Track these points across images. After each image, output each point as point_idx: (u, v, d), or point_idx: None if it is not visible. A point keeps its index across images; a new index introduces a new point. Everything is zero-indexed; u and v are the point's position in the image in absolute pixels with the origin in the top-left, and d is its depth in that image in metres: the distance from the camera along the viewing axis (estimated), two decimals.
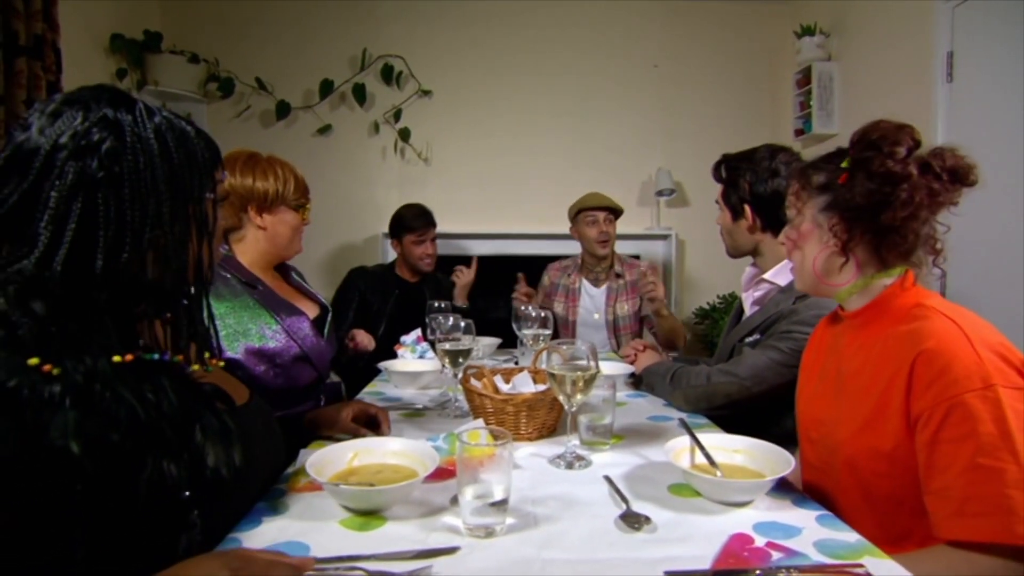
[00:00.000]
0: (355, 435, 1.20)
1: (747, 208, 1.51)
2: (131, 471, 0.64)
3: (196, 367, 0.79)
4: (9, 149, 0.68)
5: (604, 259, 2.70)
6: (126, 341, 0.70)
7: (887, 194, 0.92)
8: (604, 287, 2.70)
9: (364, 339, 1.97)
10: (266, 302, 1.46)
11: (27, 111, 0.73)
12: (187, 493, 0.67)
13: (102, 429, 0.62)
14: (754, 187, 1.49)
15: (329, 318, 1.65)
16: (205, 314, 0.82)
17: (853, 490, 0.98)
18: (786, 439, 1.10)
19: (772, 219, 1.49)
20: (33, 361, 0.60)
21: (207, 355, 0.80)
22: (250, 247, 1.52)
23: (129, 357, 0.68)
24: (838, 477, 1.00)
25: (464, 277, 2.73)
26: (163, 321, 0.78)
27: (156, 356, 0.71)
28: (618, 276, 2.69)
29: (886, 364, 0.92)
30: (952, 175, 0.92)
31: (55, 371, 0.61)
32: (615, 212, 2.67)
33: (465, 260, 2.81)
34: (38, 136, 0.68)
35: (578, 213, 2.68)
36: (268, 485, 0.97)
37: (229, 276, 1.45)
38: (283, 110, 3.39)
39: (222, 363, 0.82)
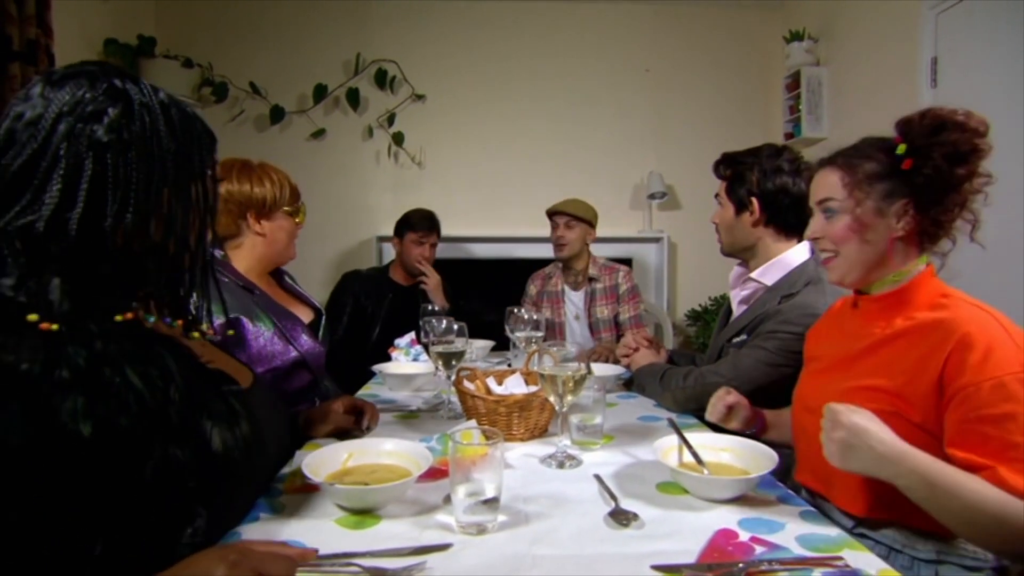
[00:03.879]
0: (348, 428, 1.23)
1: (754, 201, 1.51)
2: (139, 457, 0.65)
3: (196, 335, 0.82)
4: (10, 118, 0.69)
5: (576, 263, 2.62)
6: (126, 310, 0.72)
7: (972, 171, 0.96)
8: (581, 291, 2.64)
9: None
10: (264, 308, 1.48)
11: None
12: (192, 484, 0.68)
13: (111, 413, 0.63)
14: (762, 182, 1.51)
15: (323, 321, 1.67)
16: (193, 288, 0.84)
17: None
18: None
19: (775, 214, 1.52)
20: (32, 317, 0.62)
21: (204, 326, 0.83)
22: (247, 254, 1.54)
23: (129, 315, 0.70)
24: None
25: (430, 281, 2.72)
26: (163, 292, 0.81)
27: (152, 319, 0.74)
28: (592, 280, 2.61)
29: (917, 345, 0.95)
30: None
31: (54, 327, 0.62)
32: (576, 217, 2.54)
33: (462, 263, 2.82)
34: (43, 105, 0.69)
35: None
36: (278, 470, 0.99)
37: (227, 280, 1.46)
38: (277, 115, 3.40)
39: (204, 336, 0.84)
